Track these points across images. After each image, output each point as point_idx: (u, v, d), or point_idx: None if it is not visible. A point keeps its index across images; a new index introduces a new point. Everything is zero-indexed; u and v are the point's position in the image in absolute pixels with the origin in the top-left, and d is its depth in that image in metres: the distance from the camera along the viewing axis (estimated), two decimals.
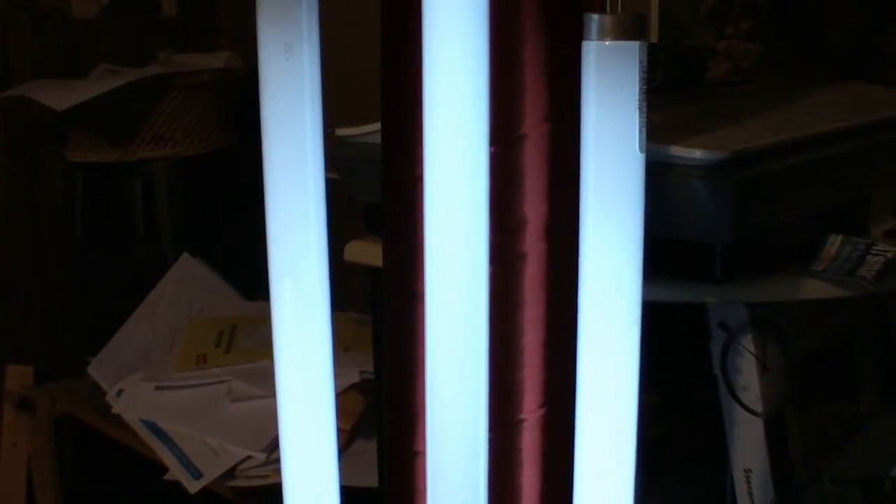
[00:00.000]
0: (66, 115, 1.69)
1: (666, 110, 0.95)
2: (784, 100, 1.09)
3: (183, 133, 1.78)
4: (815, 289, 0.89)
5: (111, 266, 1.85)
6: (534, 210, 0.63)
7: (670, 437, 0.99)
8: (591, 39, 0.52)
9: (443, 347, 0.53)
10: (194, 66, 1.82)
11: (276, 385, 0.60)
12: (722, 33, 1.35)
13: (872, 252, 0.90)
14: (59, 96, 1.68)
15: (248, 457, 1.36)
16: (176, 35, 2.04)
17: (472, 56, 0.49)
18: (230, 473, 1.35)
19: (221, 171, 1.84)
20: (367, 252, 1.03)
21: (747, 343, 0.93)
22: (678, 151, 0.82)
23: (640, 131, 0.52)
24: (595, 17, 0.51)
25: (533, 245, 0.63)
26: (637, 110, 0.51)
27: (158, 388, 1.52)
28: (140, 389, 1.53)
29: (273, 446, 1.34)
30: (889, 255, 0.89)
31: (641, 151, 0.52)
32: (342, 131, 1.00)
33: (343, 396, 1.36)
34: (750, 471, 0.94)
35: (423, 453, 0.63)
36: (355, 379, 1.40)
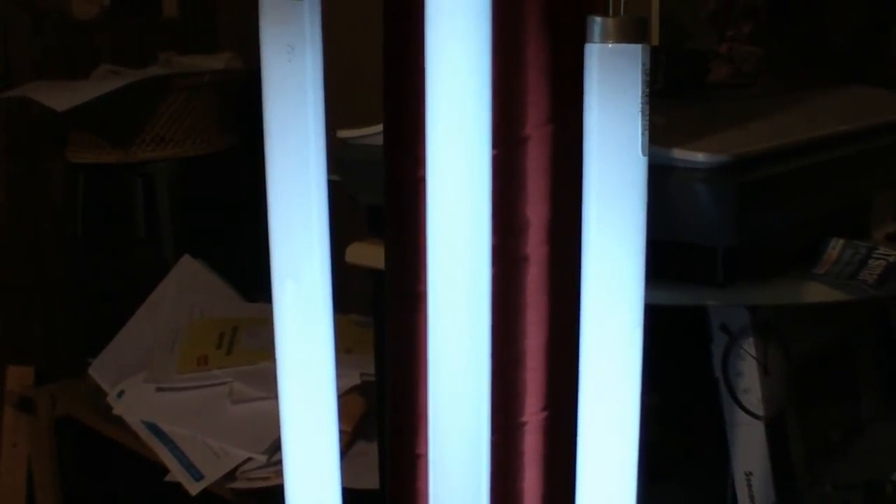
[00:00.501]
0: (67, 115, 1.69)
1: (667, 113, 0.95)
2: (786, 103, 1.09)
3: (184, 134, 1.78)
4: (816, 292, 0.88)
5: (112, 267, 1.85)
6: (536, 212, 0.63)
7: (671, 440, 0.99)
8: (593, 42, 0.52)
9: (445, 350, 0.52)
10: (195, 67, 1.82)
11: (279, 386, 0.60)
12: (723, 36, 1.35)
13: (874, 256, 0.90)
14: (60, 97, 1.68)
15: (249, 458, 1.36)
16: (177, 36, 2.04)
17: (474, 57, 0.49)
18: (231, 475, 1.35)
19: (222, 172, 1.84)
20: (368, 254, 1.03)
21: (749, 346, 0.92)
22: (680, 154, 0.82)
23: (643, 134, 0.52)
24: (597, 19, 0.51)
25: (535, 247, 0.63)
26: (640, 113, 0.51)
27: (159, 389, 1.52)
28: (141, 391, 1.53)
29: (274, 448, 1.34)
30: (891, 258, 0.89)
31: (644, 154, 0.52)
32: (344, 133, 1.00)
33: (344, 398, 1.36)
34: (751, 474, 0.94)
35: (424, 456, 0.63)
36: (357, 381, 1.40)
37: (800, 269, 0.90)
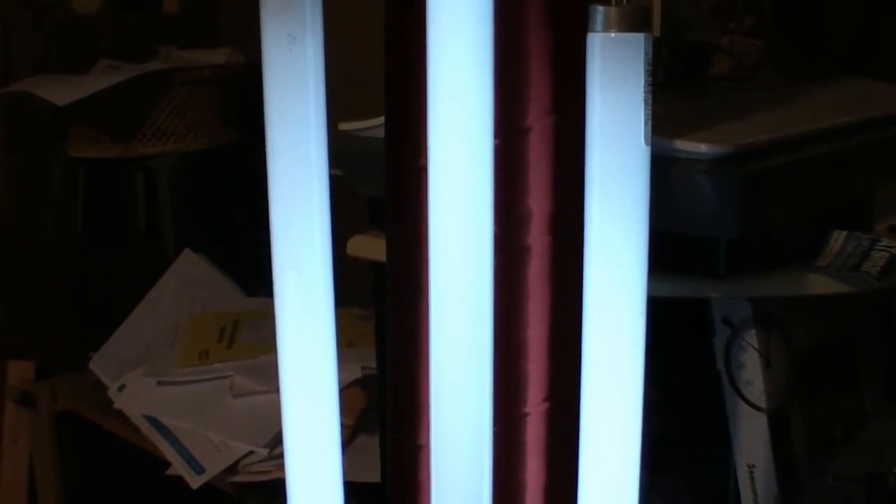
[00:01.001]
0: (68, 110, 1.69)
1: (668, 105, 0.95)
2: (787, 96, 1.09)
3: (185, 129, 1.78)
4: (819, 284, 0.88)
5: (113, 261, 1.85)
6: (538, 203, 0.63)
7: (673, 433, 0.99)
8: (596, 31, 0.51)
9: (447, 341, 0.52)
10: (196, 61, 1.82)
11: (280, 379, 0.60)
12: (725, 29, 1.34)
13: (877, 248, 0.90)
14: (61, 92, 1.67)
15: (251, 452, 1.36)
16: (178, 31, 2.04)
17: (476, 48, 0.49)
18: (232, 469, 1.35)
19: (223, 166, 1.84)
20: (370, 247, 1.03)
21: (751, 338, 0.92)
22: (682, 145, 0.81)
23: (646, 124, 0.52)
24: (600, 8, 0.51)
25: (537, 238, 0.63)
26: (642, 102, 0.51)
27: (160, 383, 1.52)
28: (142, 385, 1.53)
29: (275, 442, 1.34)
30: (893, 250, 0.89)
31: (647, 144, 0.52)
32: (345, 126, 1.00)
33: (346, 392, 1.36)
34: (753, 466, 0.94)
35: (426, 447, 0.63)
36: (358, 374, 1.40)
37: (802, 260, 0.90)
